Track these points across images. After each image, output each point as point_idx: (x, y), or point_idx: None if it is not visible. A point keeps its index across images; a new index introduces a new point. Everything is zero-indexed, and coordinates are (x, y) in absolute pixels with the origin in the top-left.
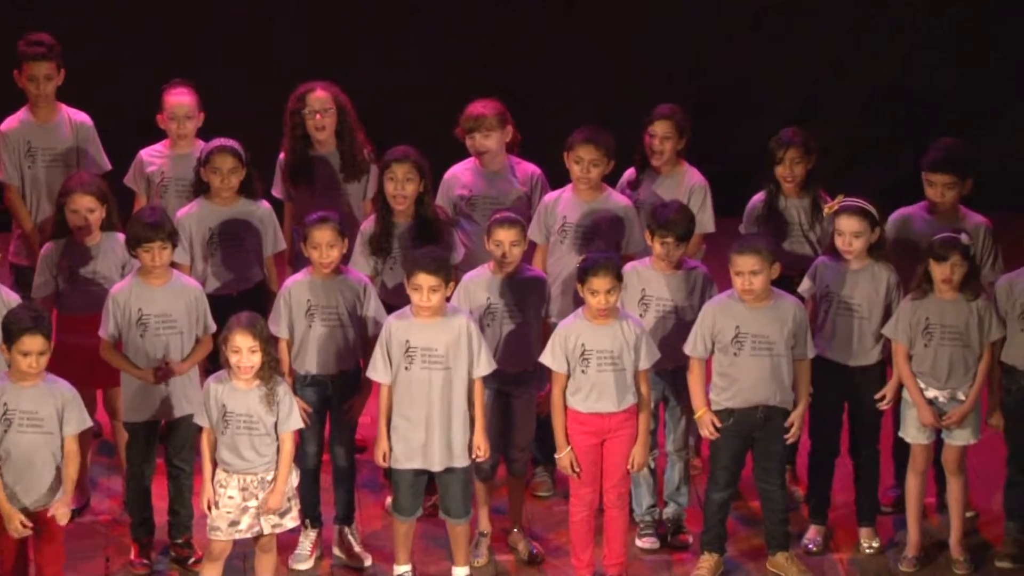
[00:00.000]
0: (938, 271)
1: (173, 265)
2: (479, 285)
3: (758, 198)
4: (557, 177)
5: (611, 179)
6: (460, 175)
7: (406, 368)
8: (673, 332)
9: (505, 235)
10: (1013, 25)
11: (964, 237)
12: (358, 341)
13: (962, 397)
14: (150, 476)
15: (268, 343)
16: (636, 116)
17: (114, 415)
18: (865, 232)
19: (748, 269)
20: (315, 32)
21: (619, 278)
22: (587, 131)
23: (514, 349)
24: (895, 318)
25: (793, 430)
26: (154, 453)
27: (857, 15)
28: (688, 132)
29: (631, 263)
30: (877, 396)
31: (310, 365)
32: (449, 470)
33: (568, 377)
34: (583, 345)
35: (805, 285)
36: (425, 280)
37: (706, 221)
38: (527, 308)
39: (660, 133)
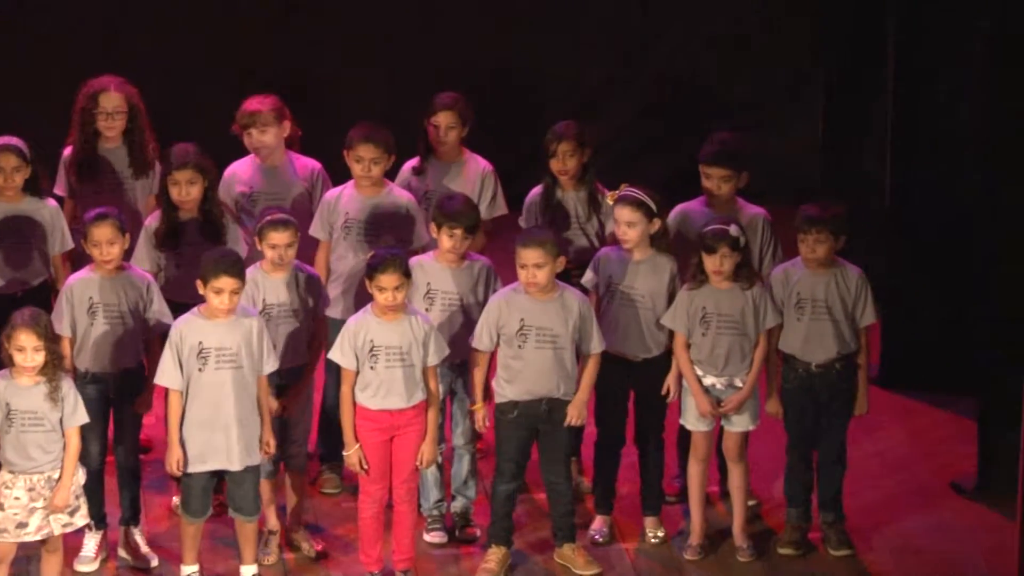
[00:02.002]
0: (709, 262)
1: None
2: (252, 284)
3: (536, 191)
4: (339, 171)
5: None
6: (239, 172)
7: (200, 370)
8: (460, 326)
9: (280, 237)
10: (791, 22)
11: (733, 228)
12: (140, 339)
13: (739, 384)
14: None
15: (52, 340)
16: (417, 108)
17: None
18: (640, 222)
19: (532, 262)
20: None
21: (407, 274)
22: (365, 129)
23: (290, 346)
24: (673, 308)
25: (571, 415)
26: None
27: (638, 8)
28: (471, 120)
29: (415, 258)
30: (664, 392)
31: (91, 363)
32: (245, 468)
33: (357, 373)
34: (372, 341)
35: (588, 277)
36: (227, 283)
37: (500, 204)
38: (303, 306)
39: (443, 123)
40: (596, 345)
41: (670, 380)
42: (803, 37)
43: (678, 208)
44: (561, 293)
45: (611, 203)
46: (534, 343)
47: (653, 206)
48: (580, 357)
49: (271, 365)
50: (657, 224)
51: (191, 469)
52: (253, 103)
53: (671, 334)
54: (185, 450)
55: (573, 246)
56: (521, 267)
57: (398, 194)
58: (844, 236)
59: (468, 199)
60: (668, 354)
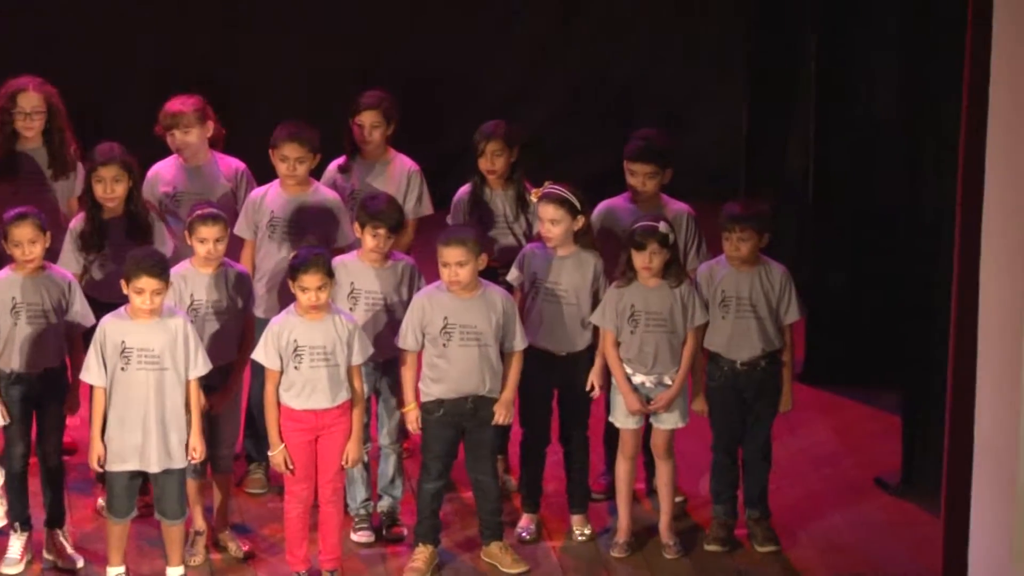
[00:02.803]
0: (638, 259)
1: None
2: (181, 281)
3: (464, 190)
4: (264, 171)
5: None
6: (163, 172)
7: (122, 369)
8: (384, 325)
9: (210, 232)
10: (712, 18)
11: (662, 225)
12: (63, 339)
13: (668, 382)
14: None
15: None
16: (343, 107)
17: None
18: (564, 219)
19: (455, 260)
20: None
21: (330, 274)
22: (290, 127)
23: (218, 345)
24: (601, 306)
25: (498, 415)
26: None
27: (565, 6)
28: (396, 119)
29: (338, 257)
30: (588, 388)
31: (15, 363)
32: (166, 471)
33: (281, 373)
34: (296, 341)
35: (513, 274)
36: (148, 284)
37: (426, 204)
38: (231, 304)
39: (368, 122)
40: (519, 342)
41: (593, 376)
42: (724, 32)
43: (603, 205)
44: (484, 290)
45: (535, 201)
46: (458, 341)
47: (577, 203)
48: (503, 355)
49: (201, 368)
50: (581, 221)
51: (110, 467)
52: (176, 104)
53: (596, 330)
54: (107, 448)
55: (500, 245)
56: (443, 265)
57: (323, 193)
58: (768, 233)
59: (391, 198)
60: (591, 350)
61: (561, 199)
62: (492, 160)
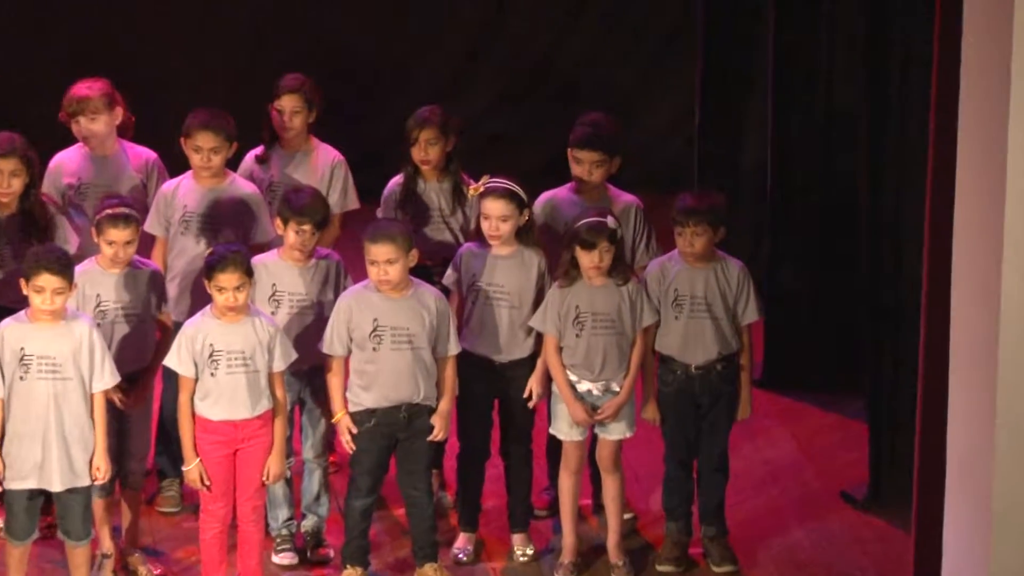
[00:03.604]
0: (586, 258)
1: None
2: (87, 281)
3: (396, 181)
4: (177, 161)
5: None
6: (67, 162)
7: (21, 378)
8: (309, 329)
9: (119, 235)
10: (659, 4)
11: (611, 220)
12: None
13: (616, 389)
14: None
15: None
16: (261, 92)
17: None
18: (513, 215)
19: (383, 258)
20: None
21: (249, 272)
22: (204, 115)
23: (128, 351)
24: (543, 308)
25: (436, 429)
26: None
27: None
28: (318, 105)
29: (258, 257)
30: (526, 394)
31: None
32: (70, 490)
33: (196, 381)
34: (212, 346)
35: (449, 276)
36: (49, 281)
37: (351, 198)
38: (143, 306)
39: (288, 108)
40: (452, 347)
41: (532, 382)
42: (677, 14)
43: (544, 197)
44: (415, 290)
45: (474, 195)
46: (390, 344)
47: (524, 196)
48: (436, 361)
49: (108, 379)
50: (526, 216)
51: (8, 485)
52: (81, 88)
53: (539, 335)
54: (5, 464)
55: (436, 242)
56: (371, 264)
57: (240, 185)
58: (723, 227)
59: (316, 192)
60: (535, 357)
61: (510, 193)
62: (426, 149)
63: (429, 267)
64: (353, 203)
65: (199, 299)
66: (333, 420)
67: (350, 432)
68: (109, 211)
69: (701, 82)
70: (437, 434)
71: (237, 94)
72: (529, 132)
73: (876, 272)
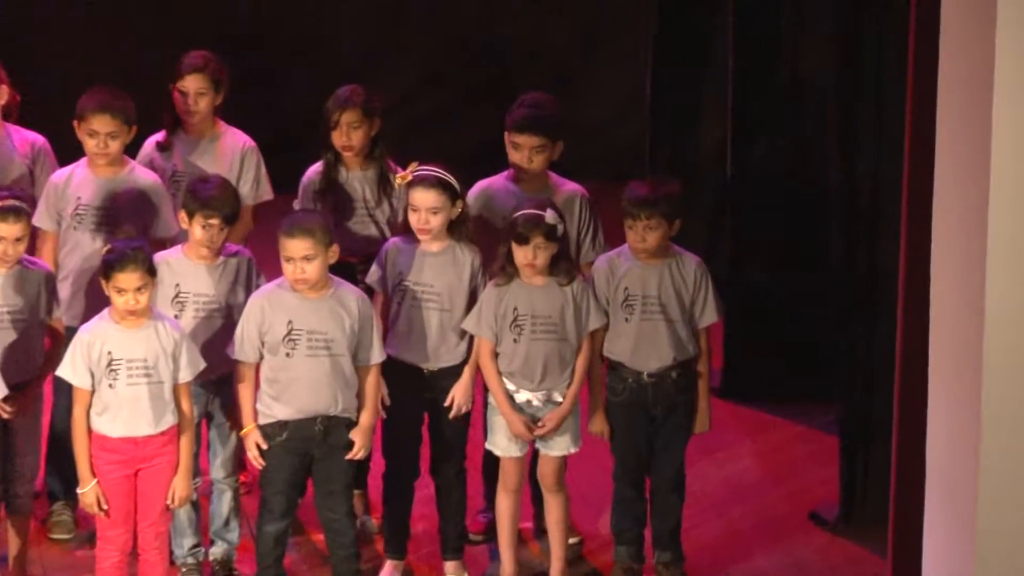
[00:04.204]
0: (520, 254)
1: None
2: None
3: (315, 170)
4: (68, 147)
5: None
6: None
7: None
8: (217, 334)
9: (8, 230)
10: None
11: (549, 214)
12: None
13: (559, 399)
14: None
15: None
16: (159, 74)
17: None
18: (444, 207)
19: (300, 254)
20: None
21: (151, 272)
22: (99, 96)
23: (15, 360)
24: (477, 310)
25: (356, 446)
26: None
27: None
28: (225, 85)
29: (160, 253)
30: (447, 403)
31: None
32: None
33: (92, 393)
34: (110, 354)
35: (373, 273)
36: None
37: (264, 188)
38: (29, 309)
39: (192, 89)
40: (376, 354)
41: (456, 390)
42: None
43: (479, 186)
44: (335, 290)
45: (401, 184)
46: (305, 350)
47: (457, 187)
48: (357, 370)
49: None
50: (459, 208)
51: None
52: None
53: (472, 340)
54: None
55: (360, 236)
56: (287, 260)
57: (140, 174)
58: (679, 220)
59: (225, 182)
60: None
61: (442, 183)
62: (348, 134)
63: (352, 264)
64: (266, 193)
65: (95, 302)
66: (241, 433)
67: (259, 447)
68: None
69: (653, 55)
70: (357, 451)
71: (135, 72)
72: (462, 114)
73: (848, 268)
